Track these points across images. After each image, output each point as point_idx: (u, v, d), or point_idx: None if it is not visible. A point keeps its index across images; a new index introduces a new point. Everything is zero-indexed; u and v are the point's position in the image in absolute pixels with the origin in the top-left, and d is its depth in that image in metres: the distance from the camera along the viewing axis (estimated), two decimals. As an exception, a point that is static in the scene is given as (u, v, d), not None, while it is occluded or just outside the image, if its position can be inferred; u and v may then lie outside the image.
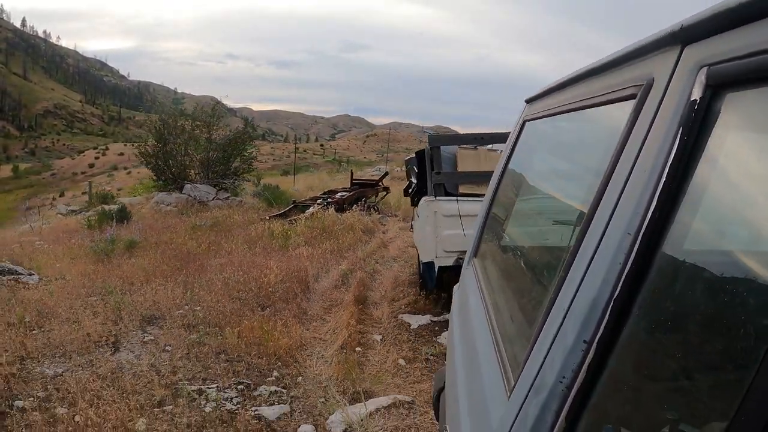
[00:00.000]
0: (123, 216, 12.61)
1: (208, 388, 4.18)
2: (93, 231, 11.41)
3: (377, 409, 3.83)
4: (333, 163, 36.35)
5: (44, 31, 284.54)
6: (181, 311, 5.86)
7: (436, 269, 5.96)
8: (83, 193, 35.93)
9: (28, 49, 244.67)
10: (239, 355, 4.78)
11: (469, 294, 1.94)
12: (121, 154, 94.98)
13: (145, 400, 3.91)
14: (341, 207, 13.19)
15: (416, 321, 5.85)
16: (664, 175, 0.71)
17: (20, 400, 3.91)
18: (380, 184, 16.13)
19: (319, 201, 14.03)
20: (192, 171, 17.15)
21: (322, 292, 7.00)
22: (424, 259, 6.07)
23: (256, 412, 3.79)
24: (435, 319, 5.91)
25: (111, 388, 4.08)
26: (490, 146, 6.93)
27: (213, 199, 15.62)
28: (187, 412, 3.75)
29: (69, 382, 4.13)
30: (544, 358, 0.85)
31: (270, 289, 6.51)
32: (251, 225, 11.57)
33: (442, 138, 6.77)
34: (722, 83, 0.67)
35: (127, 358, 4.70)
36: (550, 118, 1.61)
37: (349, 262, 8.40)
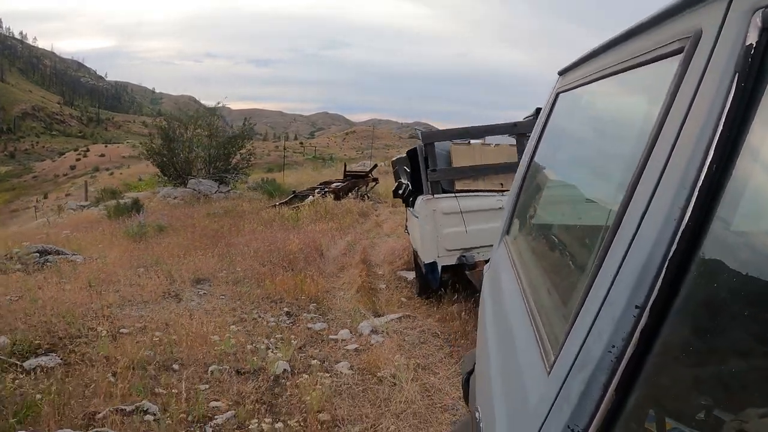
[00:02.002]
0: (137, 208, 13.79)
1: (264, 315, 5.65)
2: (113, 221, 12.58)
3: (391, 320, 5.69)
4: (314, 161, 37.30)
5: (21, 32, 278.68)
6: (222, 273, 7.52)
7: (440, 269, 5.86)
8: (66, 195, 36.71)
9: (5, 51, 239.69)
10: (281, 298, 6.50)
11: (502, 273, 1.86)
12: (102, 155, 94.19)
13: (220, 324, 5.34)
14: (338, 195, 15.11)
15: (411, 275, 7.55)
16: (721, 123, 0.65)
17: (125, 328, 5.23)
18: (370, 175, 18.09)
19: (317, 190, 15.99)
20: (195, 167, 18.91)
21: (334, 258, 8.88)
22: (426, 259, 5.92)
23: (305, 326, 5.45)
24: None
25: (190, 318, 5.49)
26: (482, 140, 6.89)
27: (216, 192, 17.44)
28: (257, 327, 5.24)
29: (154, 318, 5.52)
30: (590, 329, 0.79)
31: (292, 256, 8.29)
32: (261, 211, 13.53)
33: (435, 134, 6.45)
34: None
35: (191, 305, 6.13)
36: (586, 86, 1.54)
37: (351, 237, 10.48)
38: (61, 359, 4.34)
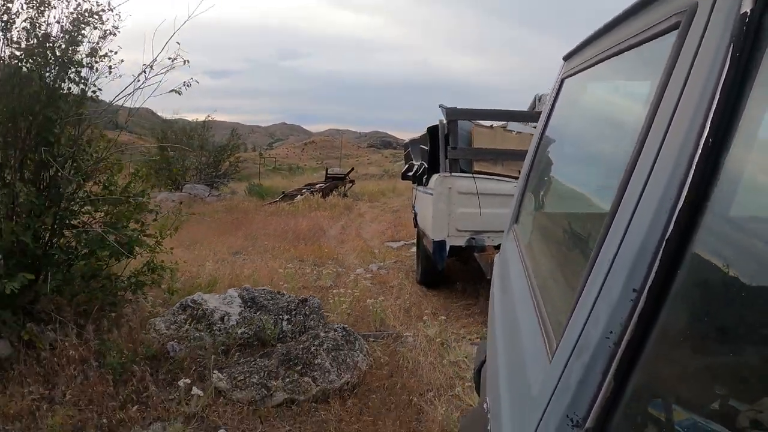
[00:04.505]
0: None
1: (299, 265, 8.11)
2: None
3: (389, 263, 8.54)
4: (275, 171, 38.38)
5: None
6: (252, 248, 9.44)
7: (447, 249, 5.79)
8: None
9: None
10: (306, 258, 8.75)
11: (510, 261, 1.84)
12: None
13: (270, 269, 7.52)
14: (325, 193, 17.43)
15: (395, 245, 10.23)
16: (716, 99, 0.63)
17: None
18: (347, 177, 20.05)
19: (304, 190, 18.50)
20: (188, 174, 20.78)
21: (334, 236, 11.28)
22: (436, 237, 5.82)
23: (331, 269, 7.70)
24: (406, 242, 10.22)
25: (243, 266, 7.70)
26: (505, 125, 6.72)
27: (209, 196, 19.16)
28: (300, 269, 7.73)
29: (222, 267, 7.43)
30: (589, 314, 0.77)
31: (303, 234, 10.76)
32: (260, 208, 15.70)
33: (459, 112, 6.16)
34: None
35: (243, 262, 8.20)
36: (589, 69, 1.51)
37: (343, 222, 13.01)
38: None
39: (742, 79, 0.63)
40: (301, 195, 17.53)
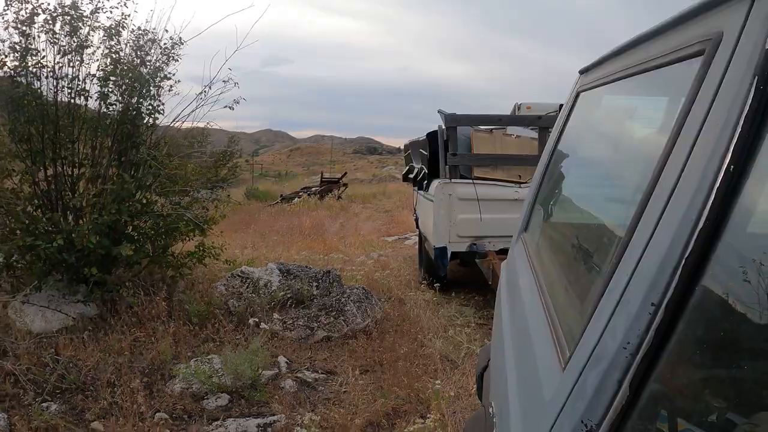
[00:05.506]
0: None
1: (308, 253, 9.02)
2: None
3: (387, 251, 9.92)
4: (262, 177, 39.44)
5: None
6: (263, 242, 10.52)
7: (449, 255, 5.88)
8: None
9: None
10: (312, 250, 9.67)
11: (519, 269, 1.87)
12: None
13: (286, 257, 8.22)
14: (322, 196, 18.71)
15: (390, 239, 11.84)
16: (739, 127, 0.66)
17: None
18: (340, 181, 21.35)
19: (300, 194, 19.78)
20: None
21: (335, 232, 12.43)
22: (437, 243, 5.89)
23: (335, 257, 8.82)
24: (399, 237, 11.90)
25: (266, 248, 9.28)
26: (504, 130, 6.72)
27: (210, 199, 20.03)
28: (309, 256, 8.78)
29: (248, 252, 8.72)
30: (606, 326, 0.80)
31: (307, 231, 11.97)
32: (263, 209, 16.80)
33: (459, 118, 6.14)
34: None
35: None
36: (607, 86, 1.53)
37: (341, 220, 14.23)
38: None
39: (764, 113, 0.65)
40: (299, 197, 18.84)
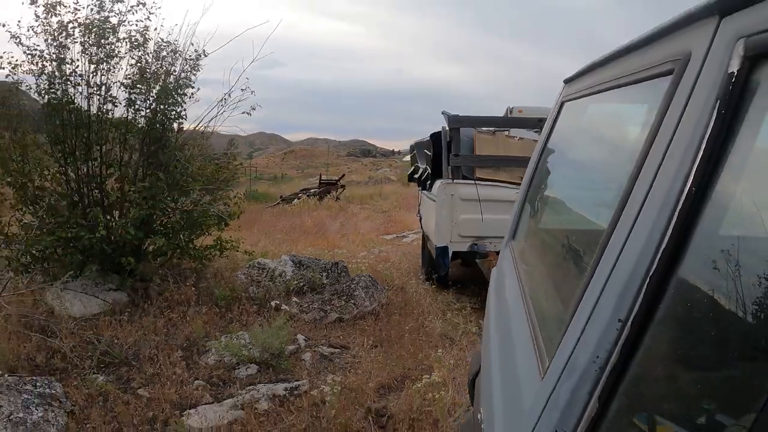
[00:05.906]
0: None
1: (313, 249, 9.20)
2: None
3: (386, 247, 10.53)
4: (257, 180, 39.91)
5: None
6: (268, 240, 10.61)
7: (450, 254, 5.96)
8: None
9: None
10: (316, 247, 9.95)
11: (506, 276, 1.90)
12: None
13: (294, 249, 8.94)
14: (321, 197, 19.10)
15: (389, 237, 12.27)
16: (701, 150, 0.68)
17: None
18: (338, 182, 21.68)
19: (299, 195, 20.09)
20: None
21: (336, 231, 12.78)
22: (438, 243, 5.98)
23: (339, 252, 8.97)
24: (397, 235, 12.40)
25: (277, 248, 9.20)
26: (507, 132, 6.77)
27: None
28: (316, 251, 9.02)
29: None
30: (578, 338, 0.83)
31: (309, 230, 12.53)
32: (264, 210, 17.10)
33: (462, 119, 6.19)
34: (760, 54, 0.64)
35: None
36: (587, 97, 1.57)
37: (341, 220, 14.60)
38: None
39: (725, 137, 0.67)
40: (298, 198, 19.21)
